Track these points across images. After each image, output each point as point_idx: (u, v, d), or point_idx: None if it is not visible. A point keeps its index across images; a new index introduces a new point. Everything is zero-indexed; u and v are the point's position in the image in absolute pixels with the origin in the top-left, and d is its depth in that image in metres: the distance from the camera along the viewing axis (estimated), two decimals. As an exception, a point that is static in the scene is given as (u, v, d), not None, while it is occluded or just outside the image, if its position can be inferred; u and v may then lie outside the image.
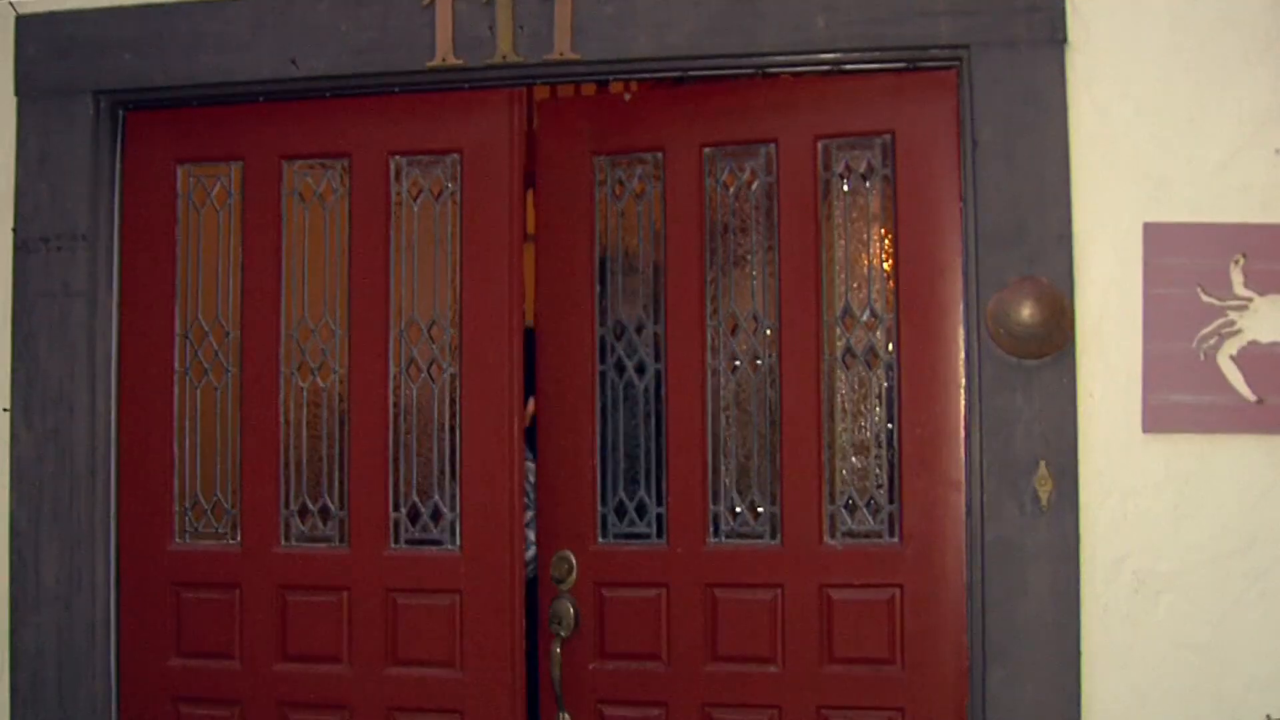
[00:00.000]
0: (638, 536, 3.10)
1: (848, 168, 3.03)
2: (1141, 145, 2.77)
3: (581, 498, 3.11)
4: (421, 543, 3.13)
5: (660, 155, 3.11)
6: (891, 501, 2.97)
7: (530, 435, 3.17)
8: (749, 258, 3.08)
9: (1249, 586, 2.70)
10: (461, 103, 3.13)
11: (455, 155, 3.14)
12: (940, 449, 2.91)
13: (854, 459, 3.01)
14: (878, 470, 2.99)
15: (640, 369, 3.12)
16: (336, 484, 3.17)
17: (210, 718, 3.19)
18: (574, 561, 3.09)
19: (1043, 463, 2.76)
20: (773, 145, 3.04)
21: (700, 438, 3.05)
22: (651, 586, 3.06)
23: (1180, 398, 2.72)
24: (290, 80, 3.12)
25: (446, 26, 3.01)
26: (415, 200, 3.18)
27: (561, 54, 2.98)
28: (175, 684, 3.19)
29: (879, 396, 3.00)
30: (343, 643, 3.13)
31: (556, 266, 3.16)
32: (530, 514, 3.25)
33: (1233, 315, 2.72)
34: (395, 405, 3.14)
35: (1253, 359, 2.71)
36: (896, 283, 2.97)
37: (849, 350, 3.01)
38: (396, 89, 3.13)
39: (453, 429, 3.11)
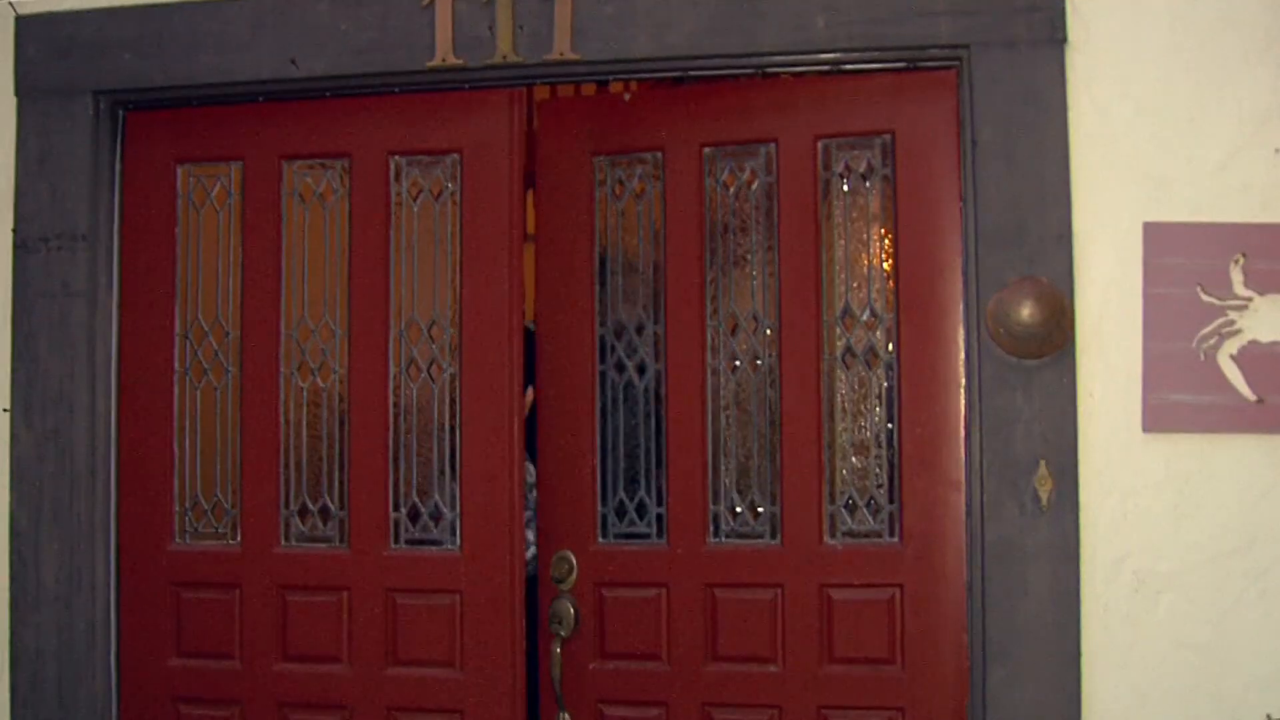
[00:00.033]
0: (638, 536, 3.10)
1: (848, 168, 3.03)
2: (1141, 145, 2.77)
3: (581, 497, 3.11)
4: (421, 543, 3.13)
5: (660, 155, 3.11)
6: (891, 501, 2.96)
7: (530, 435, 3.17)
8: (749, 257, 3.08)
9: (1249, 586, 2.70)
10: (461, 103, 3.13)
11: (455, 155, 3.14)
12: (940, 449, 2.91)
13: (854, 459, 3.01)
14: (878, 470, 2.99)
15: (640, 369, 3.12)
16: (336, 484, 3.17)
17: (210, 718, 3.19)
18: (574, 561, 3.09)
19: (1043, 462, 2.76)
20: (773, 145, 3.04)
21: (700, 438, 3.05)
22: (651, 586, 3.06)
23: (1180, 397, 2.72)
24: (290, 80, 3.12)
25: (446, 26, 3.01)
26: (415, 200, 3.17)
27: (561, 54, 2.98)
28: (175, 684, 3.19)
29: (879, 396, 3.00)
30: (343, 643, 3.13)
31: (556, 266, 3.16)
32: (530, 514, 3.25)
33: (1233, 315, 2.72)
34: (395, 405, 3.14)
35: (1253, 359, 2.70)
36: (896, 283, 2.97)
37: (849, 350, 3.01)
38: (396, 89, 3.13)
39: (453, 429, 3.11)
